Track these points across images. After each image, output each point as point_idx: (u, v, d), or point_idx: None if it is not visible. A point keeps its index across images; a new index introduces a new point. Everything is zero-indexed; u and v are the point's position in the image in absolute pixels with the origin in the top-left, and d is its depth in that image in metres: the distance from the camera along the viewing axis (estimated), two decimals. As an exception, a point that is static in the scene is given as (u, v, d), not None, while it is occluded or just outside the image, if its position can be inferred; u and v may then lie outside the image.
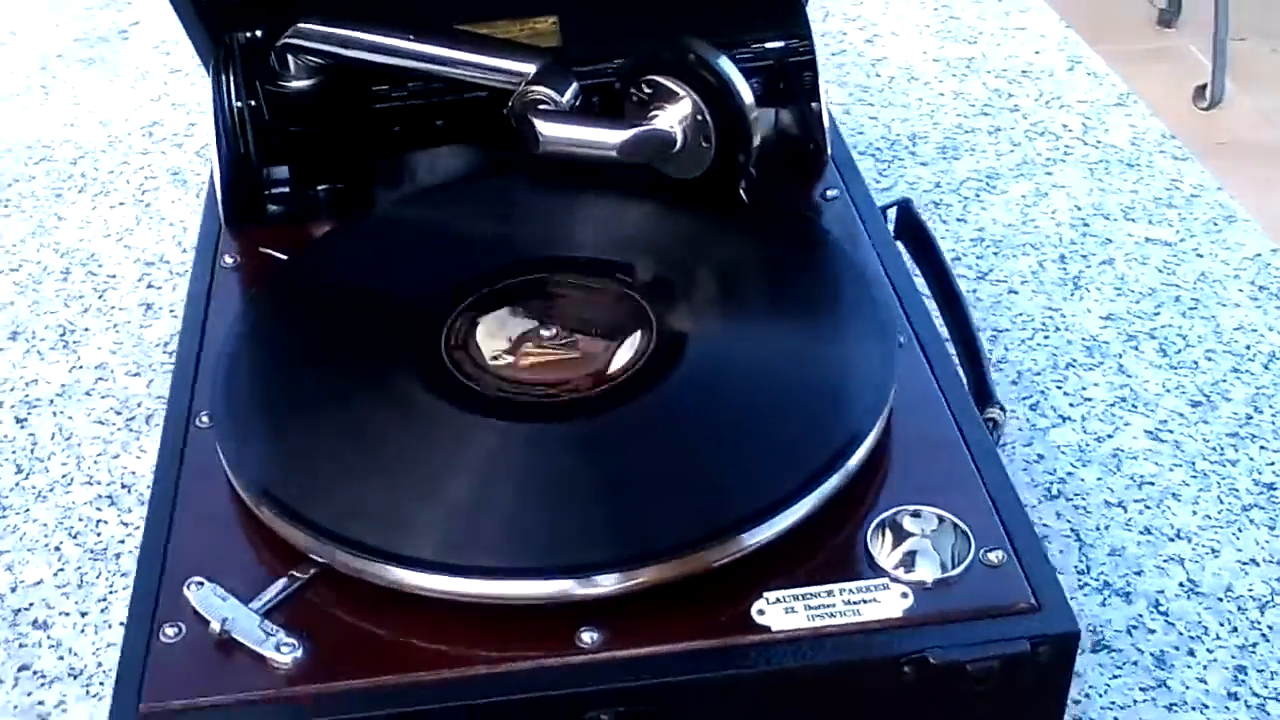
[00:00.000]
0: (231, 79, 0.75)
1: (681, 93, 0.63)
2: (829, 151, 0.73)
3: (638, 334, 0.59)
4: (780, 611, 0.48)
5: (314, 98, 0.75)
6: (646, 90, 0.64)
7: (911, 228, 0.71)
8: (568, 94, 0.65)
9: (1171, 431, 0.76)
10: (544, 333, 0.59)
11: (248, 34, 0.76)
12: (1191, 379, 0.79)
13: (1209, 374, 0.80)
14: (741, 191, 0.65)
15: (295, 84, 0.75)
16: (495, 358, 0.59)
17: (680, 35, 0.64)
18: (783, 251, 0.64)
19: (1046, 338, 0.83)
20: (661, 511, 0.51)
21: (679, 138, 0.63)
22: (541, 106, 0.65)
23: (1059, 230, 0.92)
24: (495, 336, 0.59)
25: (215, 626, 0.49)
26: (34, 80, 1.18)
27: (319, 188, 0.77)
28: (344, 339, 0.60)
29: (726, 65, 0.62)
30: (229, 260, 0.69)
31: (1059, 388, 0.79)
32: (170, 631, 0.49)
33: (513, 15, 0.78)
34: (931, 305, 0.70)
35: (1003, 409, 0.59)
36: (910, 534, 0.50)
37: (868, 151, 1.02)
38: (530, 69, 0.67)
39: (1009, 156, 1.00)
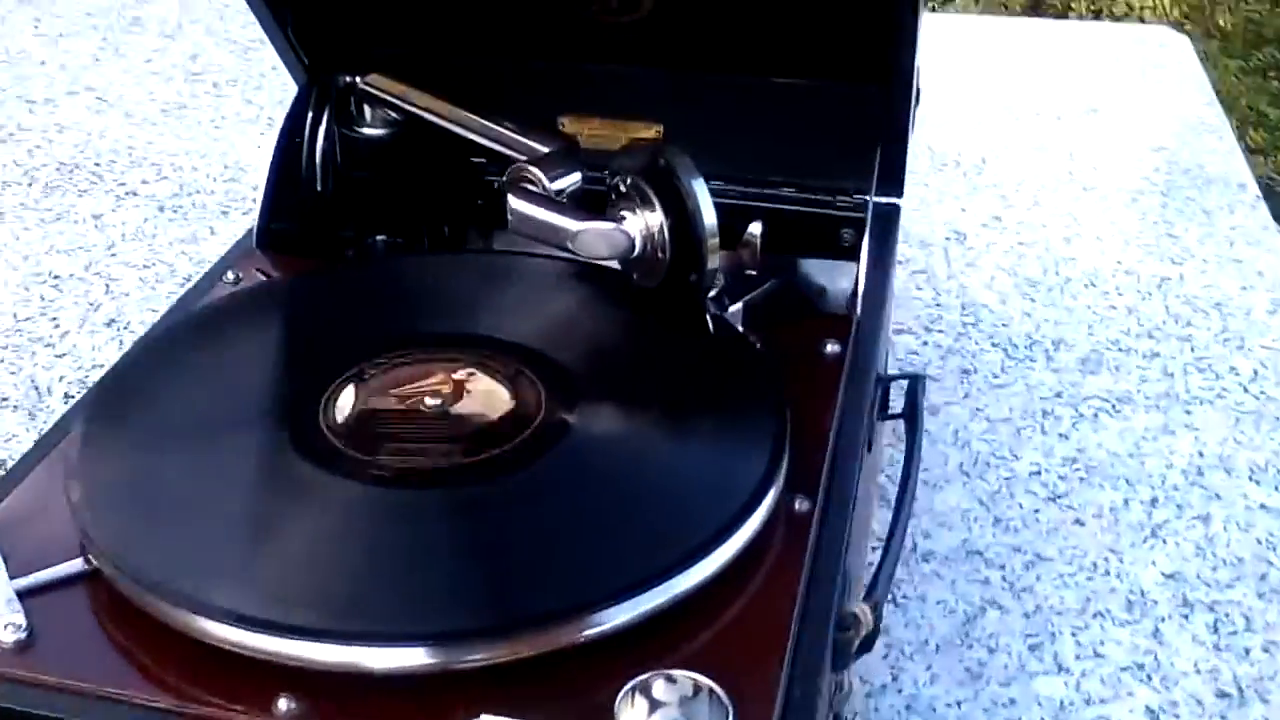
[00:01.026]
0: (321, 114, 0.77)
1: (654, 200, 0.60)
2: (857, 313, 0.68)
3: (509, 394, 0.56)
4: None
5: (382, 148, 0.77)
6: (624, 189, 0.61)
7: (910, 407, 0.64)
8: (559, 181, 0.64)
9: (1177, 718, 0.65)
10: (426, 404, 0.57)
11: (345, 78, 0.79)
12: (1232, 667, 0.68)
13: (1258, 668, 0.68)
14: (708, 306, 0.61)
15: (367, 130, 0.76)
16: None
17: (667, 145, 0.61)
18: (699, 362, 0.60)
19: (1089, 579, 0.73)
20: (391, 593, 0.47)
21: (636, 243, 0.60)
22: (526, 185, 0.63)
23: (1166, 473, 0.82)
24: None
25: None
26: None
27: (378, 238, 0.78)
28: (213, 388, 0.60)
29: (696, 186, 0.59)
30: (230, 276, 0.70)
31: (1074, 635, 0.69)
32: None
33: (618, 116, 0.77)
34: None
35: (877, 613, 0.51)
36: (661, 703, 0.45)
37: (1001, 344, 0.95)
38: (542, 150, 0.65)
39: (1153, 385, 0.90)
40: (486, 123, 0.72)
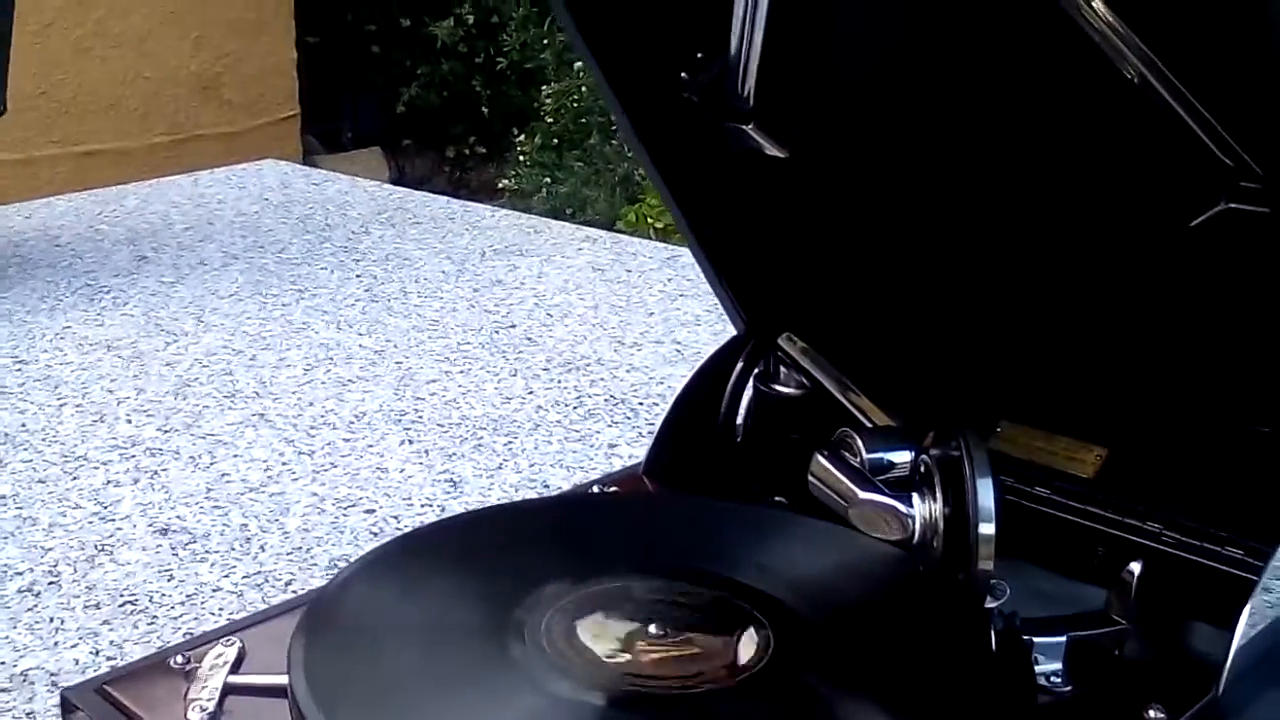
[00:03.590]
0: (752, 367, 0.80)
1: (937, 486, 0.55)
2: (1216, 690, 0.57)
3: (752, 629, 0.52)
4: None
5: (790, 408, 0.77)
6: (923, 470, 0.57)
7: None
8: (873, 454, 0.60)
9: None
10: (653, 630, 0.55)
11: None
12: None
13: None
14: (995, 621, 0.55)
15: (779, 388, 0.77)
16: (610, 656, 0.55)
17: (970, 433, 0.56)
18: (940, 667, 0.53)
19: None
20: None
21: (915, 527, 0.55)
22: (841, 450, 0.60)
23: None
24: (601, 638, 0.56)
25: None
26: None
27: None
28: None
29: (981, 484, 0.53)
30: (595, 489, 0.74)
31: None
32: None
33: (1064, 432, 0.72)
34: None
35: None
36: None
37: None
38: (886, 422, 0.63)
39: None
40: (874, 407, 0.70)
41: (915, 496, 0.58)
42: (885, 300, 0.75)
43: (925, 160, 0.69)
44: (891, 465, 0.61)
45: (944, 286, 0.72)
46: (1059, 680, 0.56)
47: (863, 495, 0.58)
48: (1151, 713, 0.55)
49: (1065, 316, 0.69)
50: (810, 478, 0.60)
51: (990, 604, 0.55)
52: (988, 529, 0.55)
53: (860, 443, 0.61)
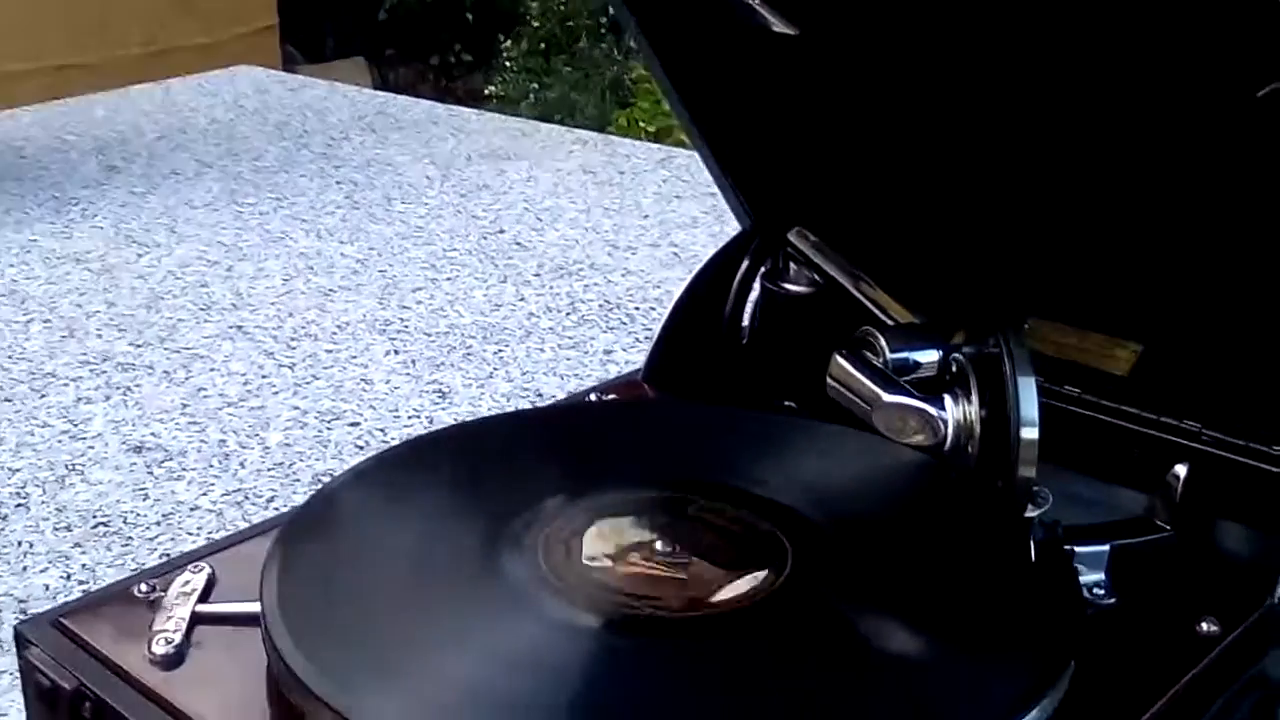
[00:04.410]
0: (758, 267, 0.75)
1: (973, 387, 0.50)
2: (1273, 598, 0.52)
3: (769, 544, 0.48)
4: None
5: (800, 306, 0.72)
6: (955, 371, 0.52)
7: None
8: (897, 354, 0.55)
9: None
10: (659, 547, 0.50)
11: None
12: None
13: None
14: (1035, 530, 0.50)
15: (789, 286, 0.72)
16: (613, 575, 0.51)
17: (1011, 328, 0.50)
18: (978, 579, 0.48)
19: None
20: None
21: (946, 431, 0.50)
22: (863, 350, 0.55)
23: None
24: (610, 538, 0.51)
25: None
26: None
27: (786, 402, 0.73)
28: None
29: (1023, 383, 0.48)
30: (591, 398, 0.69)
31: None
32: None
33: (1098, 329, 0.67)
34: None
35: None
36: None
37: None
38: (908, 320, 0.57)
39: None
40: (895, 303, 0.65)
41: (947, 398, 0.53)
42: (902, 191, 0.70)
43: (948, 29, 0.63)
44: (917, 366, 0.56)
45: (966, 173, 0.66)
46: (1102, 592, 0.52)
47: (888, 398, 0.53)
48: (1204, 625, 0.50)
49: (1096, 203, 0.64)
50: (829, 380, 0.55)
51: (1031, 513, 0.51)
52: (1030, 433, 0.50)
53: (883, 341, 0.56)
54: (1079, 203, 0.64)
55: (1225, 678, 0.49)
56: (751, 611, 0.47)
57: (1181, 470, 0.57)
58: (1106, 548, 0.53)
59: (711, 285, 0.73)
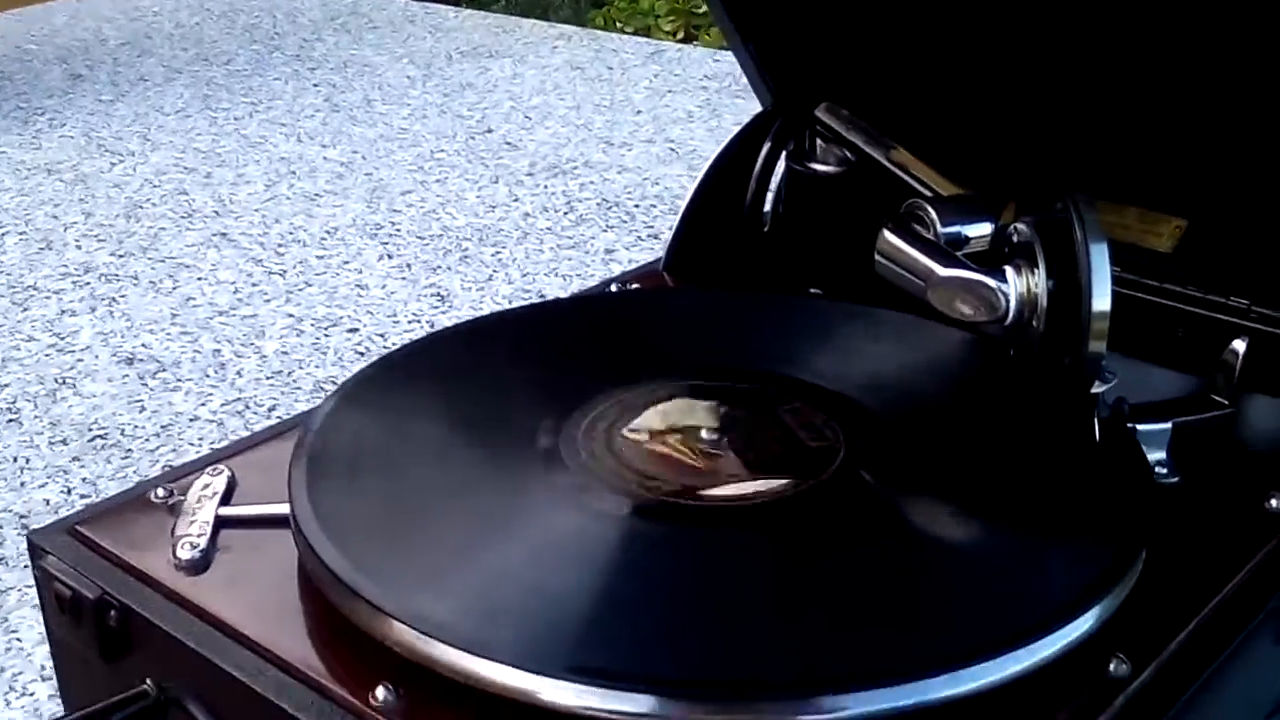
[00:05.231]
0: (782, 146, 0.71)
1: (1039, 258, 0.47)
2: None
3: (789, 480, 0.45)
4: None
5: (829, 187, 0.69)
6: (1016, 242, 0.49)
7: None
8: (949, 227, 0.52)
9: None
10: (704, 435, 0.48)
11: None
12: None
13: None
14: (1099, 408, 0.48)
15: (817, 166, 0.69)
16: (633, 431, 0.48)
17: (1078, 193, 0.48)
18: (1044, 463, 0.46)
19: None
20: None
21: (1009, 306, 0.47)
22: (913, 224, 0.52)
23: None
24: (663, 417, 0.49)
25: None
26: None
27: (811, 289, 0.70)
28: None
29: (1095, 250, 0.46)
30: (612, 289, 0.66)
31: None
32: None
33: (1138, 203, 0.64)
34: None
35: None
36: None
37: None
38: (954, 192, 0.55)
39: None
40: (939, 177, 0.62)
41: (1009, 270, 0.50)
42: (935, 60, 0.66)
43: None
44: (967, 240, 0.53)
45: (1002, 39, 0.63)
46: (1165, 471, 0.50)
47: (945, 272, 0.50)
48: (1274, 501, 0.48)
49: (1137, 68, 0.61)
50: (877, 257, 0.52)
51: (1098, 389, 0.48)
52: (1102, 303, 0.47)
53: (933, 213, 0.53)
54: (1118, 69, 0.61)
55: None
56: (743, 511, 0.44)
57: (1241, 345, 0.55)
58: (1169, 425, 0.51)
59: (731, 170, 0.70)
